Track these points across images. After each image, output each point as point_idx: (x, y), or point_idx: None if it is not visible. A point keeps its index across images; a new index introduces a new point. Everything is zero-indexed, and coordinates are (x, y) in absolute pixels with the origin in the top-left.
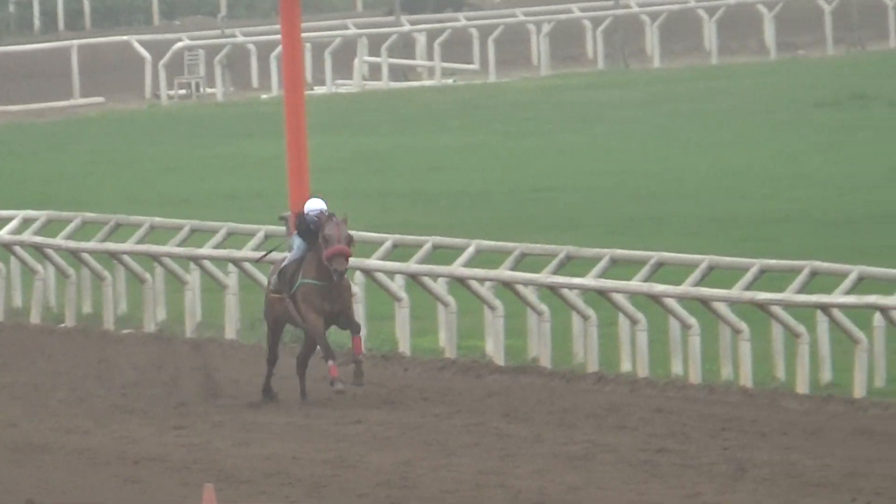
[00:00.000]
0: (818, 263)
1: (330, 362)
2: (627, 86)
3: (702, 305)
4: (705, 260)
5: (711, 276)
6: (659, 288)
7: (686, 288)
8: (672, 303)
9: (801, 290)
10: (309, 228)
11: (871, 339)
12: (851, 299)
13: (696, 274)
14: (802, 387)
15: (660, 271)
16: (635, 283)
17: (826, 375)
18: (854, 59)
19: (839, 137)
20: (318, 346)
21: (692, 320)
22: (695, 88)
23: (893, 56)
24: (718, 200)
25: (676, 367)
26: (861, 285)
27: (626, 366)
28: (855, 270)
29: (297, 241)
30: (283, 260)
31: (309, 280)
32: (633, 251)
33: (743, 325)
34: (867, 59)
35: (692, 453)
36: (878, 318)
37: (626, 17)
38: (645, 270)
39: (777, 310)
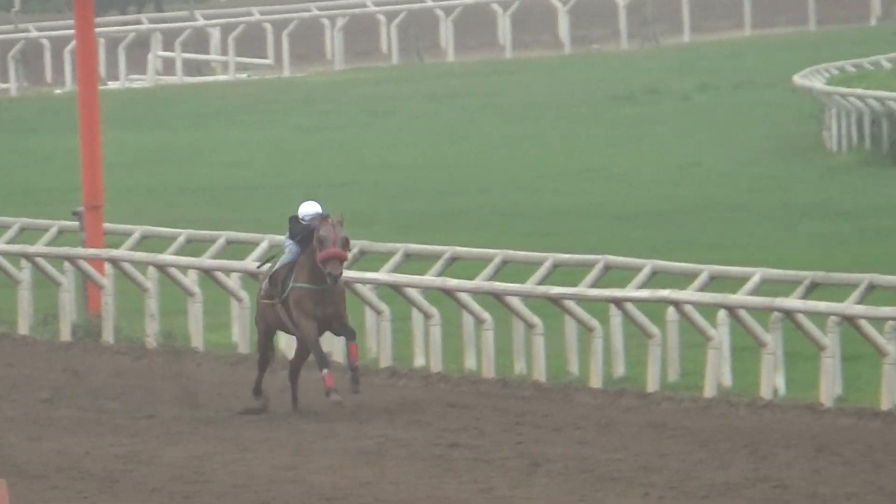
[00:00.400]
0: (611, 258)
1: (324, 371)
2: (422, 80)
3: (495, 300)
4: (499, 255)
5: (505, 270)
6: (452, 282)
7: (479, 283)
8: (466, 297)
9: (594, 285)
10: (303, 232)
11: (665, 333)
12: (645, 294)
13: (490, 269)
14: (596, 381)
15: (453, 266)
16: (429, 278)
17: (619, 369)
18: (648, 53)
19: (632, 132)
20: (312, 354)
21: (486, 315)
22: (489, 83)
23: (687, 50)
24: (512, 195)
25: (470, 362)
26: (654, 279)
27: (419, 360)
28: (648, 265)
29: (288, 244)
30: (275, 265)
31: (301, 284)
32: (427, 246)
33: (536, 320)
34: (661, 53)
35: (485, 448)
36: (671, 312)
37: (420, 11)
38: (438, 265)
39: (570, 304)
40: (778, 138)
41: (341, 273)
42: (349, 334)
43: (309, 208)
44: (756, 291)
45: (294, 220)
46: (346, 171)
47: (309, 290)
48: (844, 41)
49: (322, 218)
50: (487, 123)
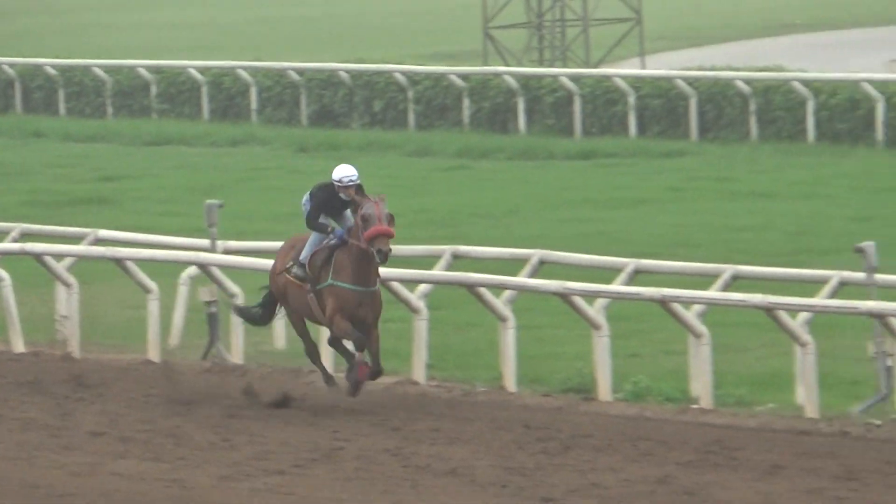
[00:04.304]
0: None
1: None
2: None
3: None
4: None
5: None
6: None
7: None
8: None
9: None
10: (335, 197)
11: None
12: None
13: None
14: None
15: None
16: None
17: None
18: None
19: None
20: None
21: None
22: None
23: None
24: None
25: None
26: None
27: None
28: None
29: (306, 206)
30: (301, 244)
31: (343, 284)
32: None
33: None
34: None
35: None
36: None
37: None
38: None
39: None
40: None
41: (390, 250)
42: (375, 364)
43: (345, 171)
44: None
45: (323, 187)
46: None
47: (352, 292)
48: None
49: (362, 195)
50: None
